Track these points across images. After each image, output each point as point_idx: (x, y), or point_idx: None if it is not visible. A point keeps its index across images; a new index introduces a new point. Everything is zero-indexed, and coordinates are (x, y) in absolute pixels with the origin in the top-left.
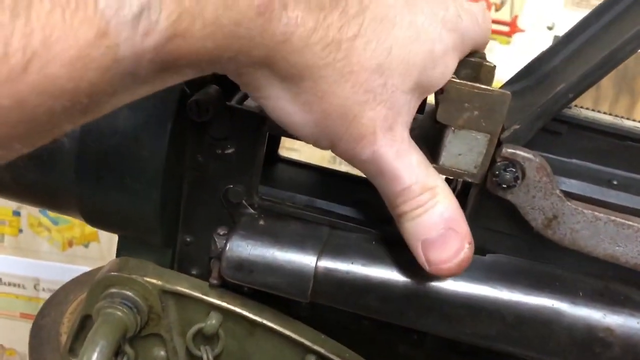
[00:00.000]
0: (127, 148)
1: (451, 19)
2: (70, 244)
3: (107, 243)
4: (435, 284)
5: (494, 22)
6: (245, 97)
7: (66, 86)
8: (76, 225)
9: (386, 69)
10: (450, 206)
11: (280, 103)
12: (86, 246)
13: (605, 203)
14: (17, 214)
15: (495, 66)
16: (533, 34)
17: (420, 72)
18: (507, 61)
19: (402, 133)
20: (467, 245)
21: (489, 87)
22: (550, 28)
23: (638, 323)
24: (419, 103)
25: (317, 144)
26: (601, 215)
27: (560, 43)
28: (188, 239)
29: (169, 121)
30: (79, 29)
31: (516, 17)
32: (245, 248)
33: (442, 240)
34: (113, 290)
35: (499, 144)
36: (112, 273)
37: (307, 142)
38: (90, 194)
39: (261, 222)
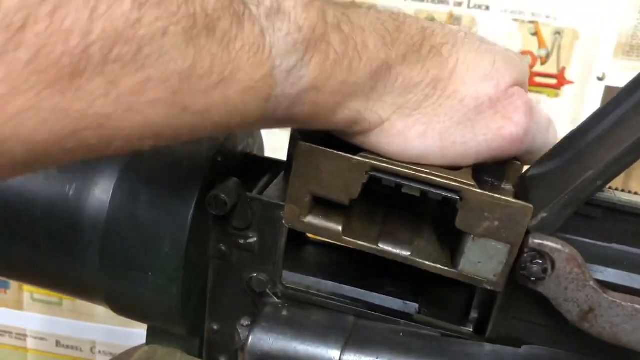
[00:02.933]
0: (147, 244)
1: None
2: None
3: None
4: None
5: (541, 75)
6: (265, 187)
7: (235, 109)
8: None
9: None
10: None
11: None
12: None
13: None
14: None
15: (522, 165)
16: (582, 86)
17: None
18: (557, 114)
19: None
20: None
21: (510, 199)
22: (600, 79)
23: None
24: None
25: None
26: None
27: (593, 119)
28: (215, 327)
29: (187, 217)
30: (255, 66)
31: (564, 69)
32: (266, 342)
33: None
34: None
35: (527, 233)
36: None
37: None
38: (115, 288)
39: (284, 313)
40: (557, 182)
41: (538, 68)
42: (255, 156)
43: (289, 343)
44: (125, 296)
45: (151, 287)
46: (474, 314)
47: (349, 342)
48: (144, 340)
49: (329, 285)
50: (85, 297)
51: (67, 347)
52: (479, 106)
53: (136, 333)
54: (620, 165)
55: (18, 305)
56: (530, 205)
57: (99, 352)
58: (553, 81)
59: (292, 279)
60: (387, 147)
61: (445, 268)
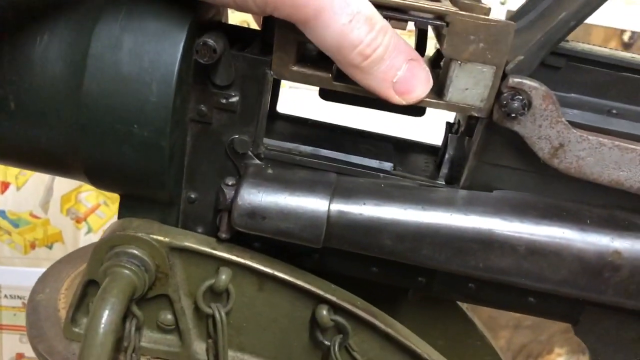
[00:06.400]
0: (133, 94)
1: None
2: (33, 246)
3: (71, 243)
4: (448, 220)
5: None
6: (246, 46)
7: None
8: (38, 226)
9: None
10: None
11: None
12: (50, 247)
13: (607, 130)
14: None
15: (490, 8)
16: None
17: None
18: None
19: None
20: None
21: (493, 18)
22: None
23: None
24: None
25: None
26: (606, 140)
27: None
28: (192, 196)
29: (175, 64)
30: None
31: None
32: (257, 195)
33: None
34: (118, 249)
35: (504, 76)
36: (117, 233)
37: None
38: (95, 149)
39: (269, 171)
40: (530, 32)
41: None
42: (227, 24)
43: (278, 196)
44: (106, 159)
45: (136, 142)
46: (444, 170)
47: (335, 192)
48: None
49: (307, 149)
50: (58, 169)
51: None
52: None
53: (38, 272)
54: (591, 6)
55: None
56: (513, 23)
57: (5, 296)
58: None
59: (271, 143)
60: None
61: (434, 100)
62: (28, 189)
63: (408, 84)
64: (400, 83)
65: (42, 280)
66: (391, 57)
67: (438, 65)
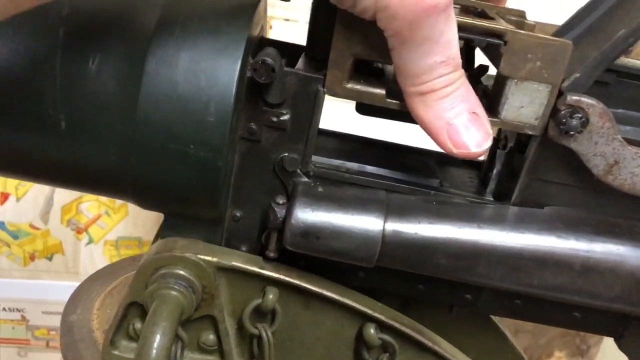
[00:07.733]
0: (189, 113)
1: None
2: (32, 258)
3: (72, 255)
4: (503, 238)
5: None
6: (292, 62)
7: None
8: (38, 237)
9: None
10: None
11: None
12: (50, 259)
13: None
14: None
15: (535, 24)
16: None
17: None
18: None
19: None
20: None
21: (551, 38)
22: None
23: None
24: None
25: None
26: None
27: None
28: (237, 214)
29: (233, 83)
30: None
31: None
32: (310, 214)
33: None
34: (164, 271)
35: (561, 94)
36: (163, 254)
37: None
38: (147, 167)
39: (320, 189)
40: (582, 48)
41: None
42: (269, 39)
43: (332, 214)
44: (158, 178)
45: (192, 163)
46: (492, 185)
47: (389, 211)
48: (48, 292)
49: (354, 165)
50: (104, 189)
51: None
52: None
53: (48, 284)
54: None
55: None
56: (570, 42)
57: (4, 309)
58: None
59: (318, 160)
60: None
61: (489, 118)
62: (28, 200)
63: (463, 132)
64: (455, 128)
65: (73, 300)
66: (455, 99)
67: (479, 81)
